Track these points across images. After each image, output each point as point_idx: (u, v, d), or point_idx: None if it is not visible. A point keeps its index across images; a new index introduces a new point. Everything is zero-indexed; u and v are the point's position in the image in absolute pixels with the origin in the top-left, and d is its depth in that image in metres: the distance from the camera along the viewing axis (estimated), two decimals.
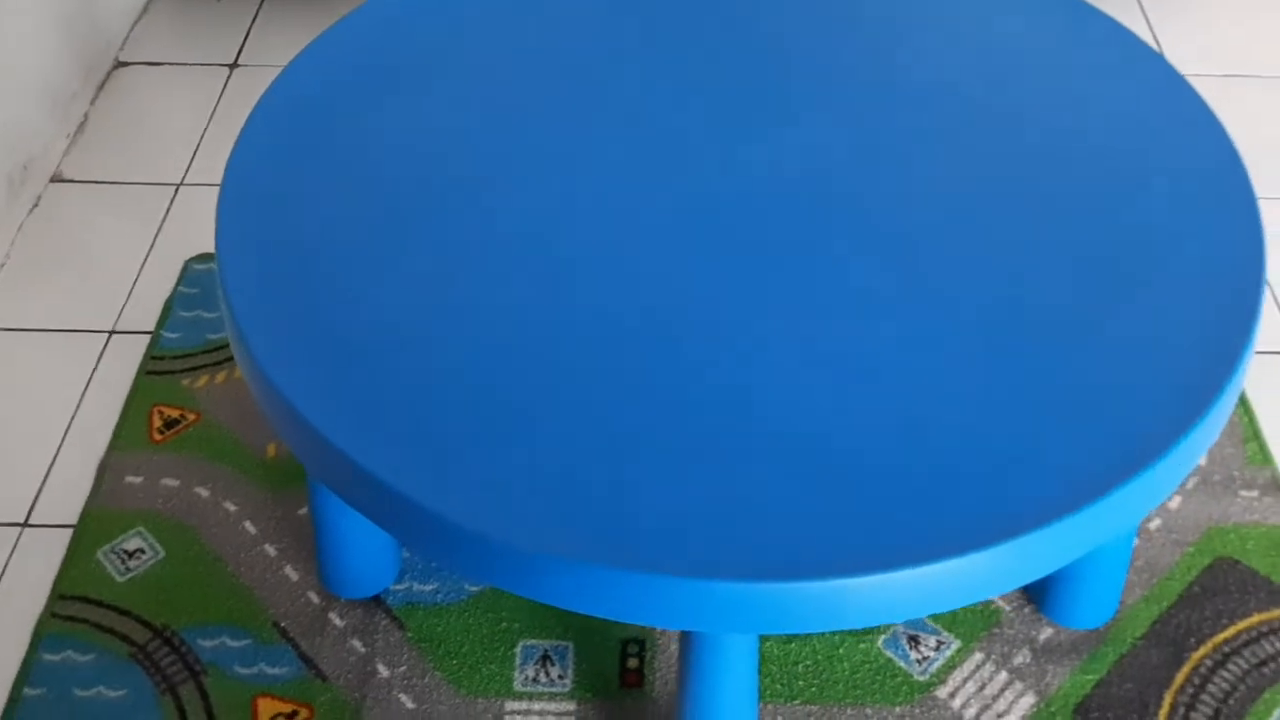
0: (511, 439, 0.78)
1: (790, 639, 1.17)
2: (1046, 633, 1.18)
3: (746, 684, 0.92)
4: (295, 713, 1.13)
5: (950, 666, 1.16)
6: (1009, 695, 1.13)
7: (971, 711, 1.12)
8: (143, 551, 1.25)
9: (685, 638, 0.88)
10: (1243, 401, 1.38)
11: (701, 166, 0.97)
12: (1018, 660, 1.16)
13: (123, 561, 1.23)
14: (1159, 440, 0.78)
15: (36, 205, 1.64)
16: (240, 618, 1.19)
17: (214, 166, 1.71)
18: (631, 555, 0.71)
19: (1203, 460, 1.32)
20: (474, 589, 1.21)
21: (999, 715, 1.12)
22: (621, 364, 0.82)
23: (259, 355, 0.83)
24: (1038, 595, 1.18)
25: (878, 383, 0.81)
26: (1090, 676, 1.14)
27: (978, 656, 1.16)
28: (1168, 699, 1.13)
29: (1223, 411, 0.81)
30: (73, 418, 1.38)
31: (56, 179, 1.69)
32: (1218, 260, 0.88)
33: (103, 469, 1.32)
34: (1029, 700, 1.13)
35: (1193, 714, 1.12)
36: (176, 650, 1.17)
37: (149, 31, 1.95)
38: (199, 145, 1.74)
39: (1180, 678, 1.14)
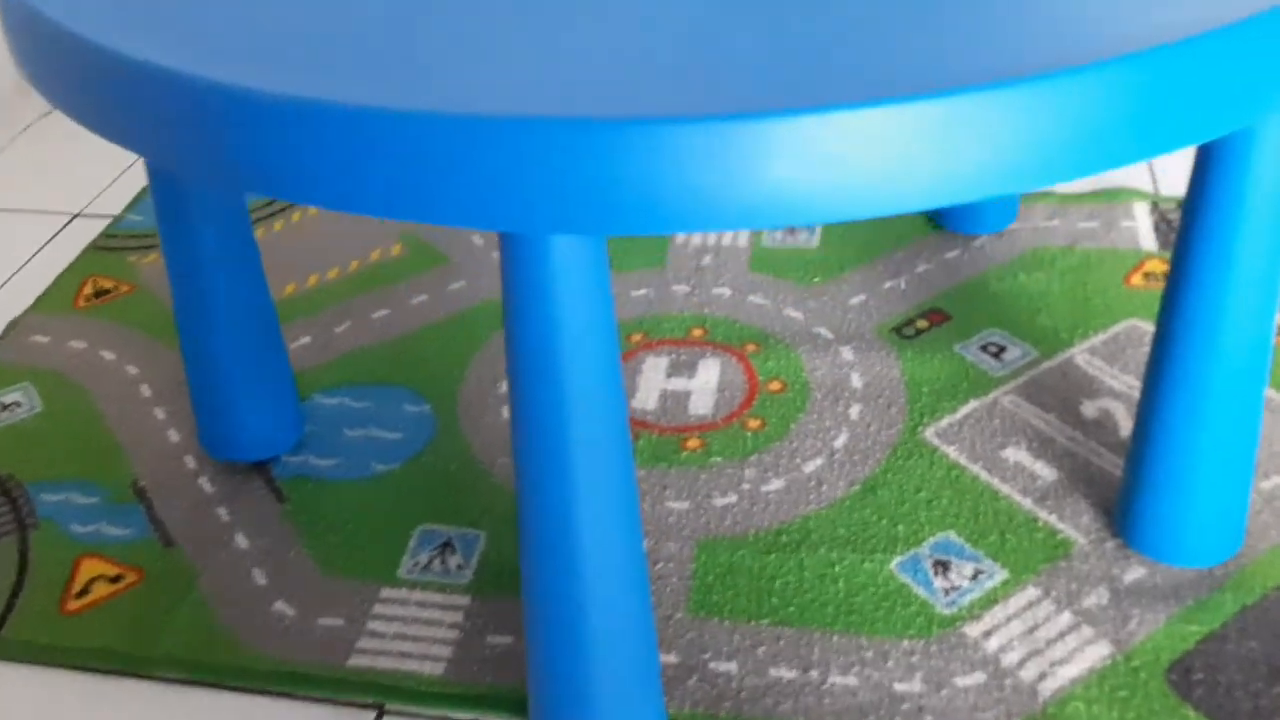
0: None
1: (770, 549, 0.86)
2: (1136, 572, 0.84)
3: (600, 334, 0.57)
4: (120, 576, 0.88)
5: (990, 601, 0.83)
6: (1071, 641, 0.79)
7: (1013, 656, 0.78)
8: (19, 405, 1.05)
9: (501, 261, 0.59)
10: None
11: None
12: (1089, 601, 0.82)
13: None
14: None
15: (47, 115, 1.55)
16: (98, 475, 0.97)
17: None
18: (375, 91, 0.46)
19: None
20: (383, 468, 0.96)
21: (1053, 664, 0.78)
22: None
23: None
24: (1125, 523, 0.85)
25: None
26: (1196, 628, 0.79)
27: (1032, 592, 0.83)
28: None
29: None
30: (5, 283, 1.23)
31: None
32: None
33: (11, 327, 1.15)
34: (1100, 651, 0.78)
35: None
36: (13, 501, 0.95)
37: None
38: None
39: None
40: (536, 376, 0.55)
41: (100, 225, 1.31)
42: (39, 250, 1.28)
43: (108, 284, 1.21)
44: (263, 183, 0.47)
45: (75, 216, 1.33)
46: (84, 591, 0.87)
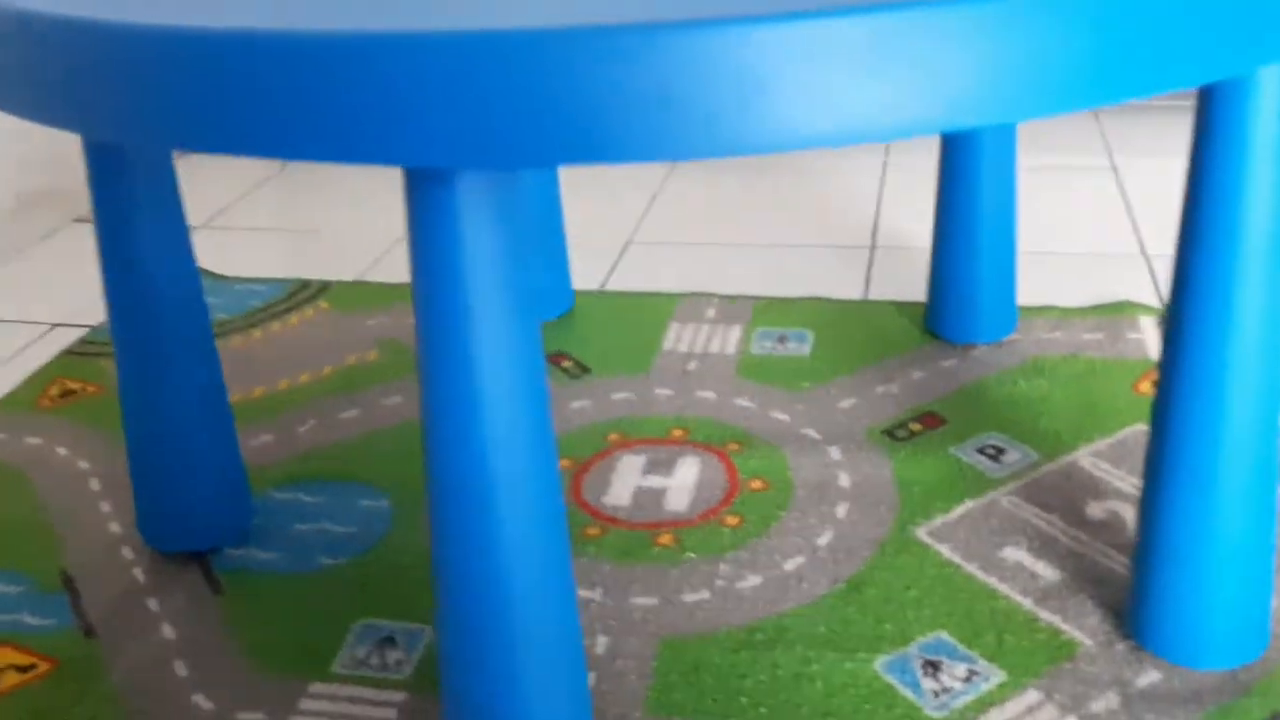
0: None
1: (741, 646, 0.78)
2: (1149, 675, 0.74)
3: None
4: (32, 666, 0.81)
5: (985, 704, 0.73)
6: None
7: None
8: None
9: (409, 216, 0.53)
10: None
11: None
12: (1097, 706, 0.72)
13: None
14: None
15: (51, 235, 1.55)
16: (27, 565, 0.91)
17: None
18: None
19: None
20: (330, 561, 0.89)
21: None
22: None
23: None
24: (1137, 623, 0.76)
25: None
26: None
27: (1032, 696, 0.74)
28: None
29: None
30: None
31: (79, 220, 1.61)
32: None
33: None
34: None
35: None
36: None
37: None
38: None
39: None
40: (444, 336, 0.49)
41: (78, 334, 1.29)
42: (15, 355, 1.25)
43: (74, 385, 1.17)
44: (143, 128, 0.43)
45: (55, 326, 1.31)
46: None
